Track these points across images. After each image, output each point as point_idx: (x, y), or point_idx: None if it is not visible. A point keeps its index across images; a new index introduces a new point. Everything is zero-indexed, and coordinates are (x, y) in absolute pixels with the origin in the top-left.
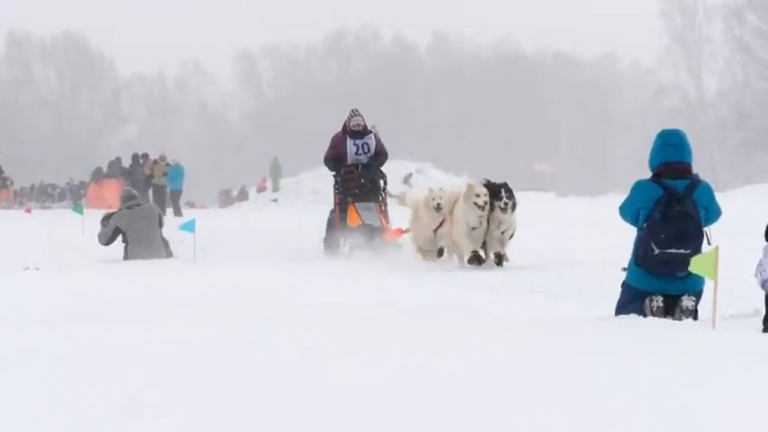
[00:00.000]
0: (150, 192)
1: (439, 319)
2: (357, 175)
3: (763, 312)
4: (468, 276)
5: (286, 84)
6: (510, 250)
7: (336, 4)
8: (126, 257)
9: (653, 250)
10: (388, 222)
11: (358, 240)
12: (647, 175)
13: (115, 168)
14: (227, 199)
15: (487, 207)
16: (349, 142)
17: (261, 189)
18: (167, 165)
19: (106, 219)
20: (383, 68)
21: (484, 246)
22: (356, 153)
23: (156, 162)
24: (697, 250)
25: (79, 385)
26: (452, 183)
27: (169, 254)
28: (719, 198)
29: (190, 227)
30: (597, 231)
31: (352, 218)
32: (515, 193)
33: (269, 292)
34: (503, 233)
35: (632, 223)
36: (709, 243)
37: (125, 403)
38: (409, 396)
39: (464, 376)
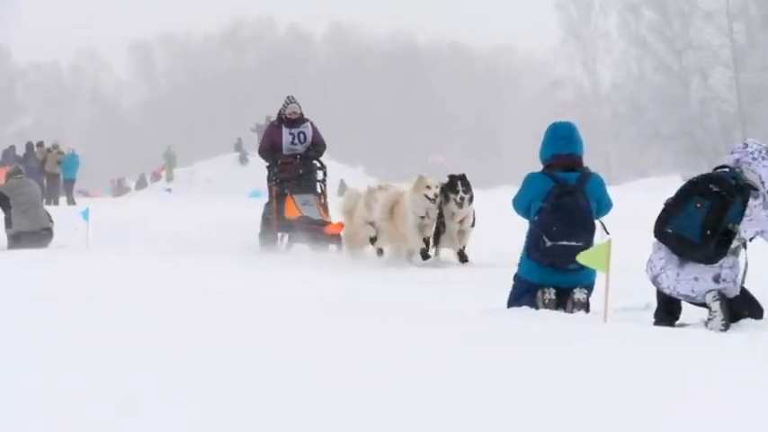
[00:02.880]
0: (44, 180)
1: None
2: (294, 165)
3: (655, 306)
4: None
5: (181, 73)
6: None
7: None
8: (8, 226)
9: (544, 243)
10: (328, 215)
11: (296, 234)
12: (541, 167)
13: (9, 156)
14: (120, 188)
15: (438, 200)
16: (284, 131)
17: (157, 177)
18: (60, 153)
19: None
20: (278, 59)
21: (436, 241)
22: (291, 142)
23: (48, 150)
24: (589, 243)
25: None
26: (349, 175)
27: (51, 223)
28: (614, 191)
29: (83, 215)
30: (490, 224)
31: (290, 209)
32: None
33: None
34: (461, 223)
35: (524, 216)
36: (607, 232)
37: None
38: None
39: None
